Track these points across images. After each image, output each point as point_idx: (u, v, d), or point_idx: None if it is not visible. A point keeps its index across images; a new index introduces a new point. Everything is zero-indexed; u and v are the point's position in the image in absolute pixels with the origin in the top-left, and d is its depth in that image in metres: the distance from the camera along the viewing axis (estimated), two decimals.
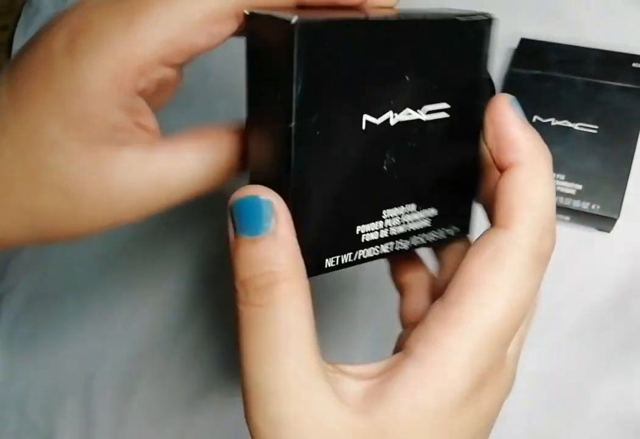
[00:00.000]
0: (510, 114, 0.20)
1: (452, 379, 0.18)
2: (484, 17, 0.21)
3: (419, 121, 0.20)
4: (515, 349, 0.21)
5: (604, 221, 0.37)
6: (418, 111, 0.20)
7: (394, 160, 0.20)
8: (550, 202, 0.20)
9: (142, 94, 0.20)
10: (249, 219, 0.18)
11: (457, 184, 0.23)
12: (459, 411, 0.18)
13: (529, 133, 0.20)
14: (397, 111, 0.20)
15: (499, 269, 0.19)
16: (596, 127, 0.38)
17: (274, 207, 0.18)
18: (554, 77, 0.40)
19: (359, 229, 0.21)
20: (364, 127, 0.20)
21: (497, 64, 0.45)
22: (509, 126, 0.20)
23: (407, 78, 0.20)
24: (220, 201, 0.54)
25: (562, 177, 0.38)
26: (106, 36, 0.19)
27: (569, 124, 0.38)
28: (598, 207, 0.37)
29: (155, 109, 0.21)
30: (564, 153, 0.38)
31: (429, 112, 0.21)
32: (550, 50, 0.41)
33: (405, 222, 0.22)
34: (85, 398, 0.48)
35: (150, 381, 0.46)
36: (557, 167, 0.38)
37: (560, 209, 0.38)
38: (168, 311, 0.48)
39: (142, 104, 0.20)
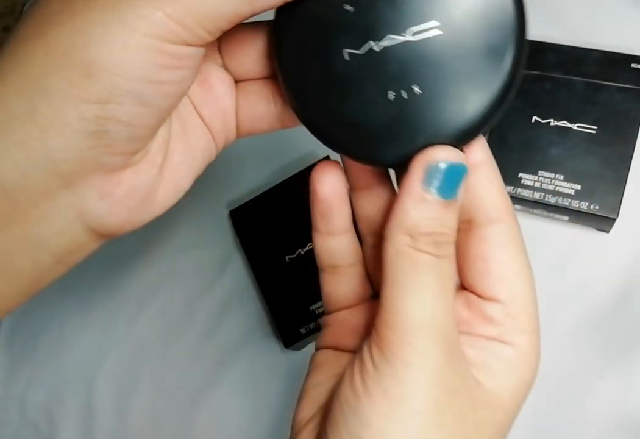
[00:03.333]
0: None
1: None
2: None
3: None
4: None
5: (603, 221, 0.37)
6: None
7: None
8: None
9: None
10: (451, 184, 0.19)
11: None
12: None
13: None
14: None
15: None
16: (595, 127, 0.38)
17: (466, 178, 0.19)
18: (553, 77, 0.40)
19: None
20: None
21: None
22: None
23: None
24: (220, 207, 0.53)
25: (561, 177, 0.38)
26: None
27: (568, 125, 0.39)
28: (597, 207, 0.37)
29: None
30: (563, 153, 0.38)
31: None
32: (550, 51, 0.41)
33: None
34: (86, 398, 0.48)
35: (151, 380, 0.47)
36: (557, 167, 0.38)
37: (559, 209, 0.38)
38: (168, 310, 0.48)
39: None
